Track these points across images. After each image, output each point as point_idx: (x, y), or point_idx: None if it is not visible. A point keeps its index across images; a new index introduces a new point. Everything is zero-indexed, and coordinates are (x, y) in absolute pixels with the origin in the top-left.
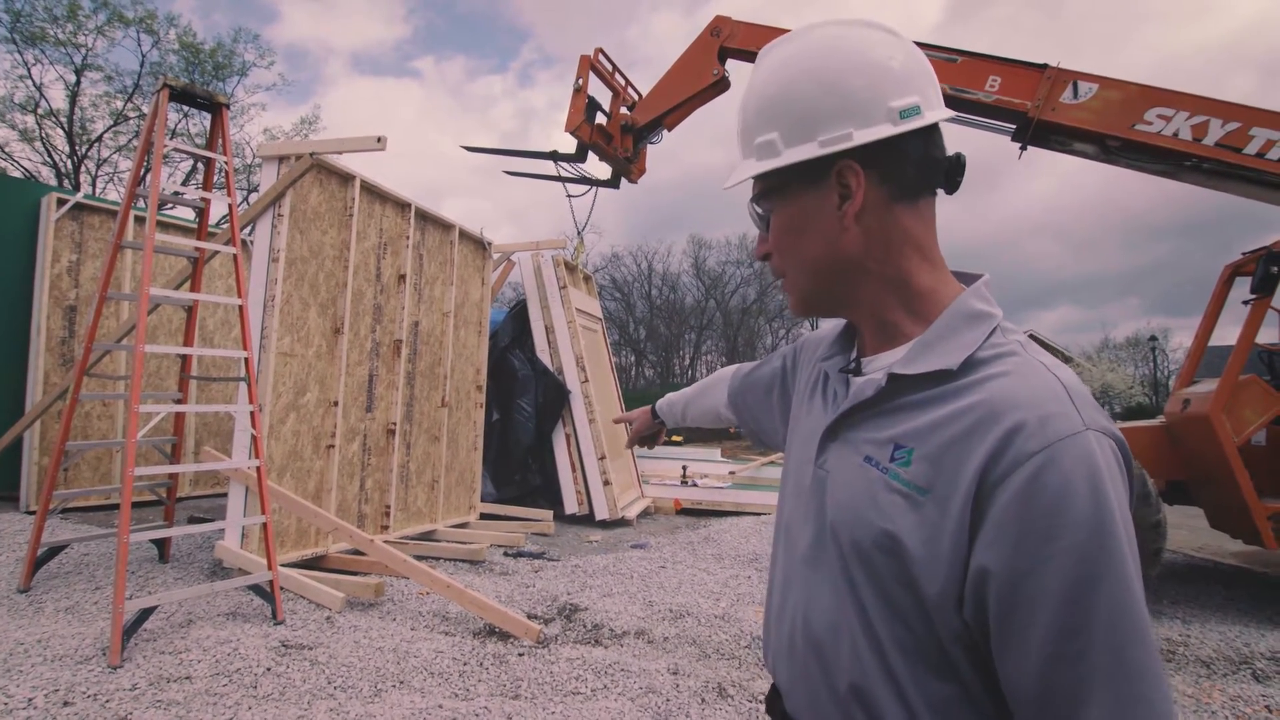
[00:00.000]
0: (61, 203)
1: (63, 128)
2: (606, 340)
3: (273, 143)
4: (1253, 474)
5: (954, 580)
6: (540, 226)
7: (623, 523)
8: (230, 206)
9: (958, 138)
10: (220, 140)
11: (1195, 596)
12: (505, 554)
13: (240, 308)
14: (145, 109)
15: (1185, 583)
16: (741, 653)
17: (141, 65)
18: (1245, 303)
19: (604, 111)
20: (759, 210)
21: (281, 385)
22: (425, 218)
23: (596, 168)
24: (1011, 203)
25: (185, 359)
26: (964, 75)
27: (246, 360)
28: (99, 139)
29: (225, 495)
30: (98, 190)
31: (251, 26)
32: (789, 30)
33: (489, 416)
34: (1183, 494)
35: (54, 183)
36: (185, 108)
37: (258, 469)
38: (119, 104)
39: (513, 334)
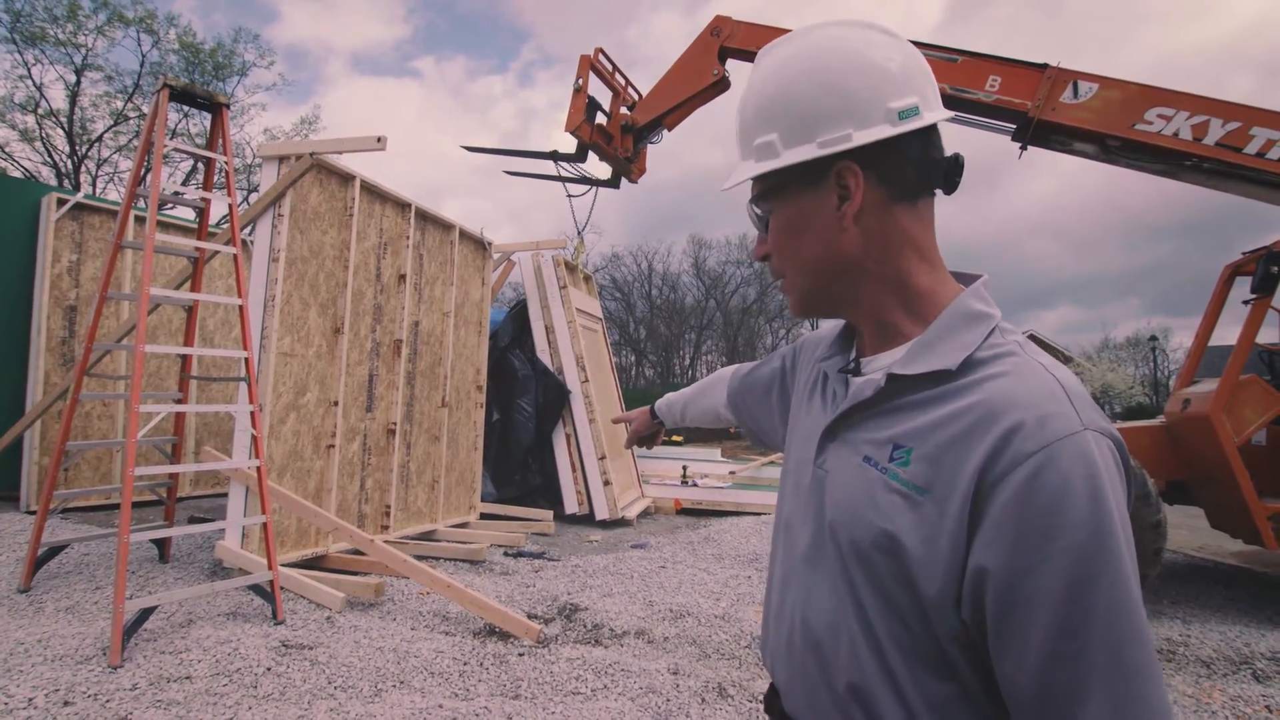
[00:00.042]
0: (62, 203)
1: (63, 128)
2: (606, 340)
3: (273, 143)
4: (1253, 474)
5: (952, 580)
6: (540, 226)
7: (623, 523)
8: (230, 206)
9: (958, 137)
10: (220, 140)
11: (1195, 596)
12: (505, 554)
13: (240, 308)
14: (145, 109)
15: (1185, 583)
16: (742, 653)
17: (141, 65)
18: (1245, 303)
19: (604, 111)
20: (758, 211)
21: (282, 385)
22: (425, 218)
23: (597, 168)
24: (1011, 202)
25: (185, 359)
26: (964, 75)
27: (247, 360)
28: (99, 139)
29: (225, 495)
30: (98, 190)
31: (251, 26)
32: (789, 30)
33: (489, 416)
34: (1183, 494)
35: (54, 183)
36: (185, 108)
37: (258, 469)
38: (119, 104)
39: (513, 334)
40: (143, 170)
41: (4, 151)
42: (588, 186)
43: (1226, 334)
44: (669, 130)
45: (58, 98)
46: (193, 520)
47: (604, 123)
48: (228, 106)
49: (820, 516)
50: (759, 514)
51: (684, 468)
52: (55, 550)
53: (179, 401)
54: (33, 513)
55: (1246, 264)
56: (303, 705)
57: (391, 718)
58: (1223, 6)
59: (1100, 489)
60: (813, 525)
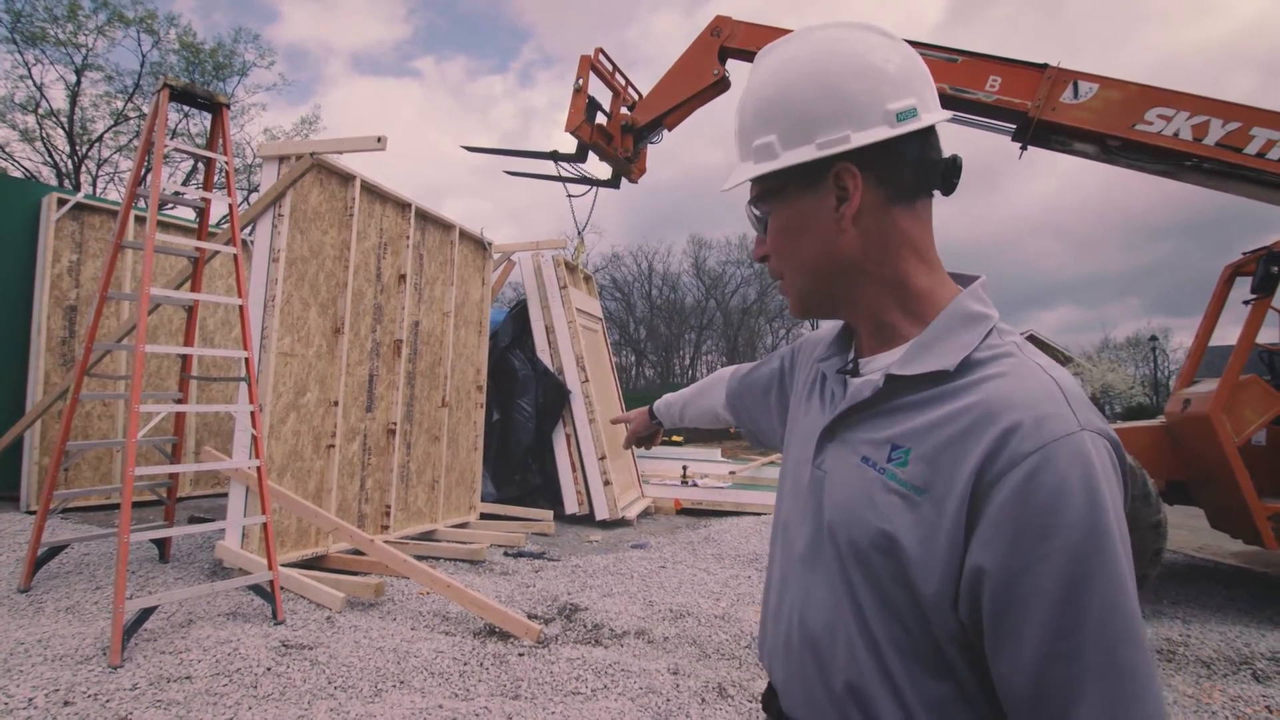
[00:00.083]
0: (62, 203)
1: (63, 128)
2: (607, 340)
3: (273, 143)
4: (1253, 474)
5: (950, 580)
6: (540, 226)
7: (623, 523)
8: (231, 206)
9: (958, 137)
10: (220, 140)
11: (1195, 597)
12: (505, 554)
13: (240, 308)
14: (145, 109)
15: (1186, 583)
16: (742, 653)
17: (142, 65)
18: (1246, 303)
19: (604, 111)
20: (757, 212)
21: (282, 385)
22: (425, 218)
23: (597, 168)
24: (1012, 202)
25: (185, 359)
26: (964, 75)
27: (247, 360)
28: (99, 139)
29: (225, 495)
30: (98, 190)
31: (252, 26)
32: (789, 30)
33: (489, 416)
34: (1183, 494)
35: (54, 183)
36: (186, 108)
37: (258, 469)
38: (119, 104)
39: (513, 334)
40: (143, 170)
41: (4, 151)
42: (588, 186)
43: (1227, 334)
44: (669, 130)
45: (58, 98)
46: (193, 520)
47: (604, 123)
48: (228, 106)
49: (819, 517)
50: (759, 514)
51: (684, 468)
52: (55, 550)
53: (179, 401)
54: (33, 513)
55: (1247, 264)
56: (303, 705)
57: (391, 718)
58: (1223, 6)
59: (1096, 489)
60: (811, 525)
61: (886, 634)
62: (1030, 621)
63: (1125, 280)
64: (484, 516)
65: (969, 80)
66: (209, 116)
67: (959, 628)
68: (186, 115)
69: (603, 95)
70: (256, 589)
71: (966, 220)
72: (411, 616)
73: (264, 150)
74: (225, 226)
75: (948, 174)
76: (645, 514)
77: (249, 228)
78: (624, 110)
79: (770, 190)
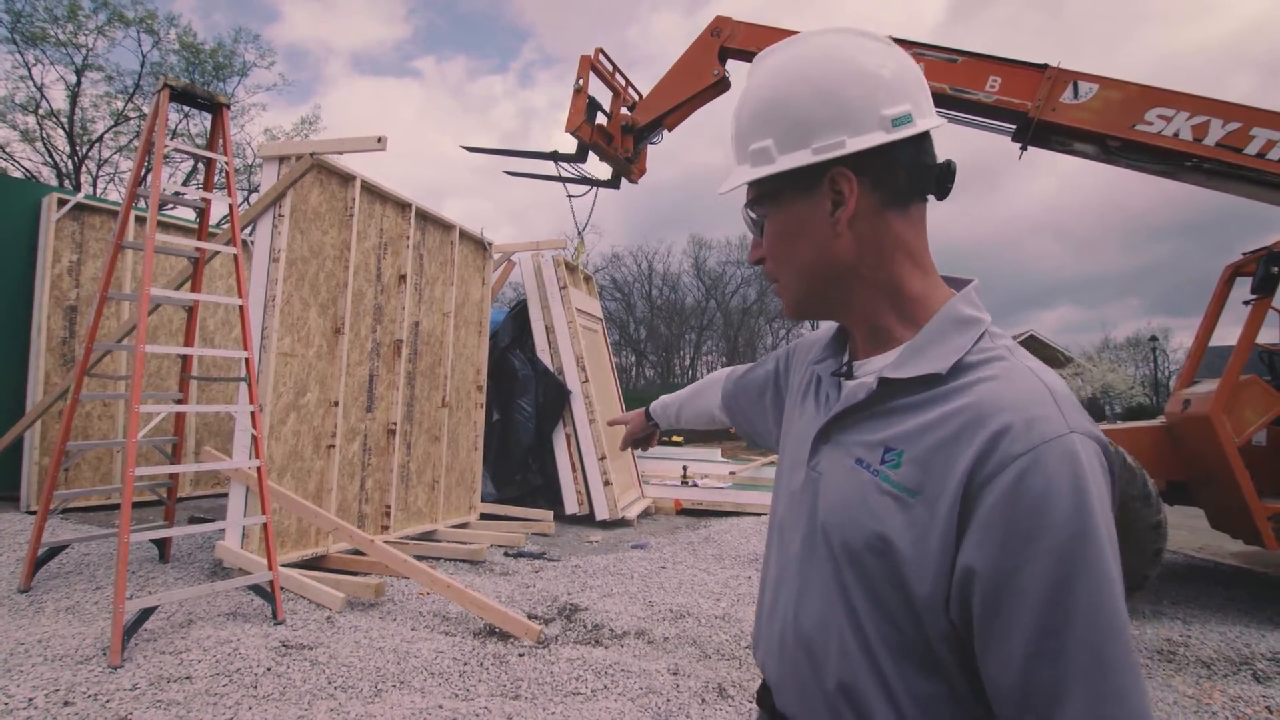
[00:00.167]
0: (62, 203)
1: (63, 128)
2: (607, 340)
3: (273, 143)
4: (1253, 474)
5: (942, 580)
6: (541, 227)
7: (623, 523)
8: (231, 207)
9: (958, 138)
10: (221, 140)
11: (1196, 597)
12: (505, 554)
13: (241, 308)
14: (146, 109)
15: (1186, 583)
16: (742, 653)
17: (142, 65)
18: (1246, 303)
19: (604, 112)
20: (753, 215)
21: (282, 385)
22: (426, 218)
23: (597, 168)
24: (1012, 203)
25: (186, 359)
26: (964, 75)
27: (247, 360)
28: (100, 139)
29: (226, 495)
30: (98, 190)
31: (252, 26)
32: (790, 30)
33: (489, 416)
34: (1183, 494)
35: (55, 183)
36: (186, 108)
37: (258, 469)
38: (119, 104)
39: (513, 334)
40: (143, 170)
41: (5, 152)
42: (588, 187)
43: (1227, 334)
44: (669, 130)
45: (58, 98)
46: (193, 520)
47: (604, 123)
48: (228, 107)
49: (813, 518)
50: (759, 514)
51: (684, 468)
52: (55, 550)
53: (179, 402)
54: (33, 513)
55: (1247, 264)
56: (303, 705)
57: (391, 718)
58: (1223, 6)
59: (1085, 491)
60: (805, 526)
61: (879, 634)
62: (1018, 621)
63: (1125, 280)
64: (484, 517)
65: (969, 80)
66: (209, 117)
67: (950, 628)
68: (187, 115)
69: (603, 95)
70: (256, 589)
71: (966, 220)
72: (411, 617)
73: (264, 150)
74: (225, 227)
75: (942, 179)
76: (645, 514)
77: (249, 228)
78: (624, 110)
79: (766, 194)
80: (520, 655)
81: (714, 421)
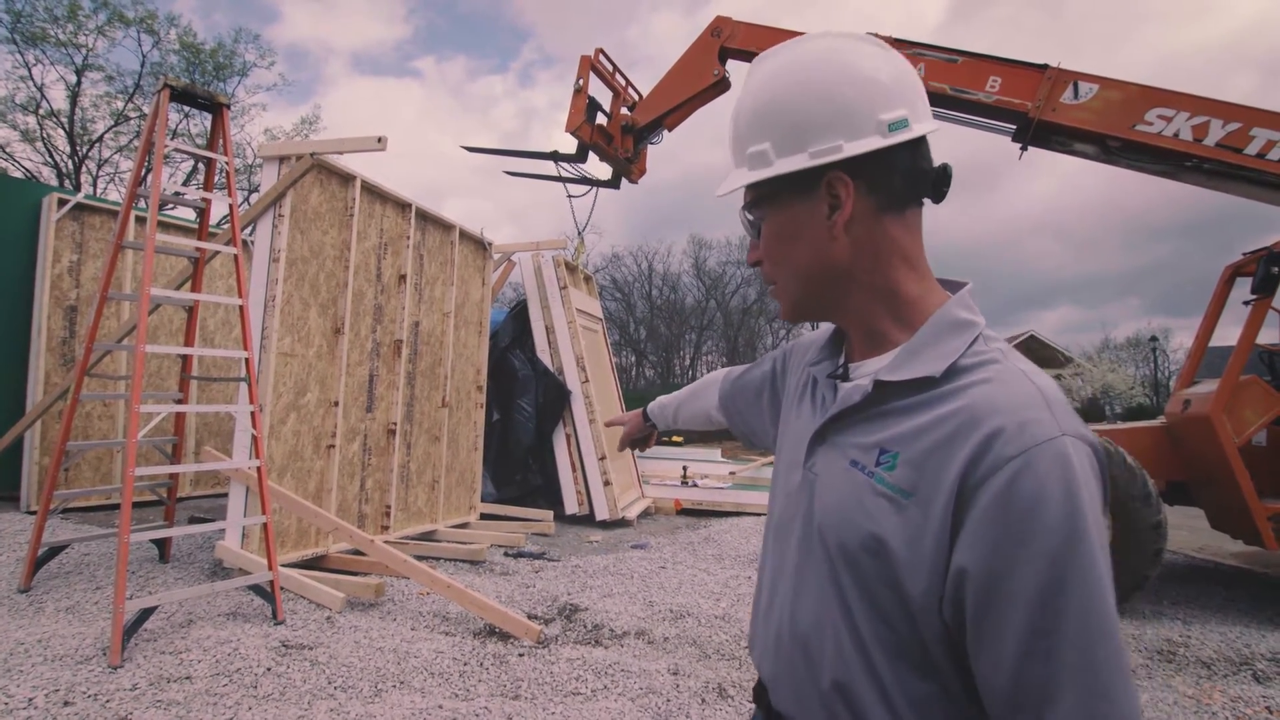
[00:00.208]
0: (62, 203)
1: (64, 128)
2: (607, 340)
3: (273, 143)
4: (1253, 474)
5: (936, 581)
6: (541, 227)
7: (623, 523)
8: (231, 207)
9: (959, 138)
10: (221, 140)
11: (1196, 597)
12: (506, 554)
13: (241, 308)
14: (146, 109)
15: (1186, 583)
16: (742, 653)
17: (142, 65)
18: (1246, 303)
19: (604, 112)
20: (750, 217)
21: (282, 385)
22: (426, 218)
23: (597, 168)
24: (1012, 203)
25: (186, 359)
26: (965, 76)
27: (247, 360)
28: (100, 139)
29: (226, 495)
30: (99, 190)
31: (252, 27)
32: (790, 30)
33: (489, 417)
34: (1183, 494)
35: (55, 183)
36: (186, 108)
37: (258, 469)
38: (120, 104)
39: (513, 334)
40: (143, 170)
41: (5, 152)
42: (588, 187)
43: (1227, 334)
44: (669, 130)
45: (58, 98)
46: (193, 520)
47: (604, 123)
48: (228, 107)
49: (809, 518)
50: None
51: (684, 468)
52: (55, 550)
53: (179, 402)
54: (33, 513)
55: (1247, 264)
56: (303, 705)
57: (391, 718)
58: (1223, 6)
59: (1076, 493)
60: (801, 527)
61: (874, 634)
62: (1010, 621)
63: (1125, 280)
64: (484, 517)
65: (969, 81)
66: (209, 117)
67: (944, 628)
68: (187, 115)
69: (603, 95)
70: (256, 589)
71: (966, 220)
72: (411, 617)
73: (264, 150)
74: (225, 227)
75: (938, 182)
76: (645, 514)
77: (249, 228)
78: (624, 110)
79: (764, 196)
80: (520, 655)
81: (711, 422)
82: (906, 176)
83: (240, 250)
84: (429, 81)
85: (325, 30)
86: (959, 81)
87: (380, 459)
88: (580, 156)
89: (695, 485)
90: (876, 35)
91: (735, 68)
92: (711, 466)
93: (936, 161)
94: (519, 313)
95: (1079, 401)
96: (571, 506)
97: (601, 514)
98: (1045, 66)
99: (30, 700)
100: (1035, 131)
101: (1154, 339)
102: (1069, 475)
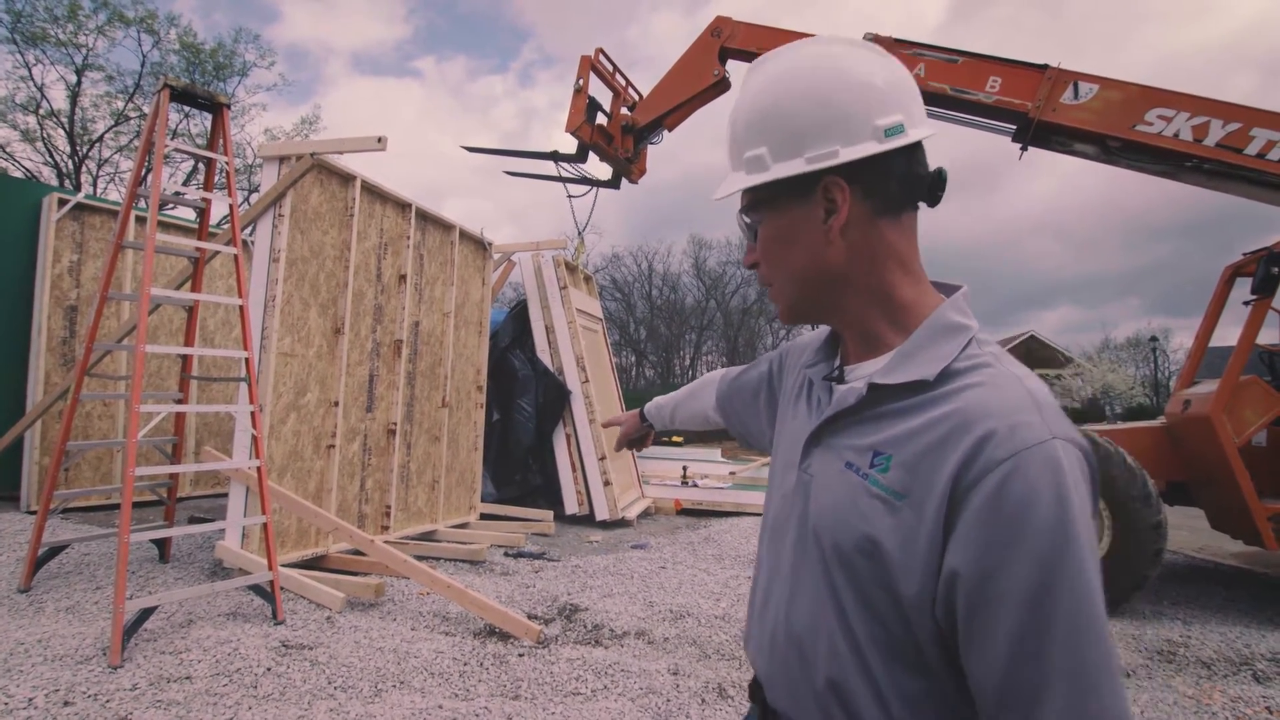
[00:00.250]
0: (63, 203)
1: (64, 128)
2: (607, 340)
3: (273, 143)
4: (1253, 475)
5: (929, 582)
6: (541, 227)
7: (623, 523)
8: (231, 207)
9: (959, 137)
10: (221, 140)
11: (1196, 597)
12: (506, 554)
13: (241, 308)
14: (146, 109)
15: (1186, 583)
16: (742, 653)
17: (142, 65)
18: (1246, 303)
19: (604, 112)
20: (747, 220)
21: (282, 385)
22: (426, 218)
23: (597, 168)
24: (1012, 203)
25: (186, 359)
26: (965, 76)
27: (247, 360)
28: (100, 139)
29: (226, 495)
30: (99, 190)
31: (252, 27)
32: (790, 31)
33: (489, 417)
34: (1183, 495)
35: (55, 183)
36: (186, 108)
37: (258, 469)
38: (120, 104)
39: (513, 334)
40: (143, 170)
41: (5, 151)
42: (588, 187)
43: (1227, 335)
44: (669, 131)
45: (59, 98)
46: (193, 520)
47: (604, 123)
48: (228, 107)
49: (804, 519)
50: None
51: (684, 468)
52: (55, 550)
53: (179, 401)
54: (33, 513)
55: (1247, 265)
56: (303, 705)
57: (391, 718)
58: (1223, 6)
59: (1065, 496)
60: (797, 527)
61: (868, 633)
62: (1000, 622)
63: (1125, 280)
64: (484, 517)
65: (969, 81)
66: (209, 117)
67: (937, 628)
68: (187, 115)
69: (603, 96)
70: (256, 589)
71: (967, 220)
72: (411, 617)
73: (264, 150)
74: (226, 227)
75: (933, 187)
76: (645, 514)
77: (249, 228)
78: (624, 111)
79: (761, 200)
80: (520, 655)
81: (708, 422)
82: (902, 181)
83: (240, 250)
84: (429, 81)
85: (325, 30)
86: (959, 82)
87: (380, 459)
88: (580, 156)
89: (695, 485)
90: (876, 35)
91: (735, 68)
92: (711, 466)
93: (933, 165)
94: (519, 313)
95: (1079, 402)
96: (571, 506)
97: (601, 514)
98: (1045, 67)
99: (30, 700)
100: (1035, 132)
101: (1154, 339)
102: (1059, 478)
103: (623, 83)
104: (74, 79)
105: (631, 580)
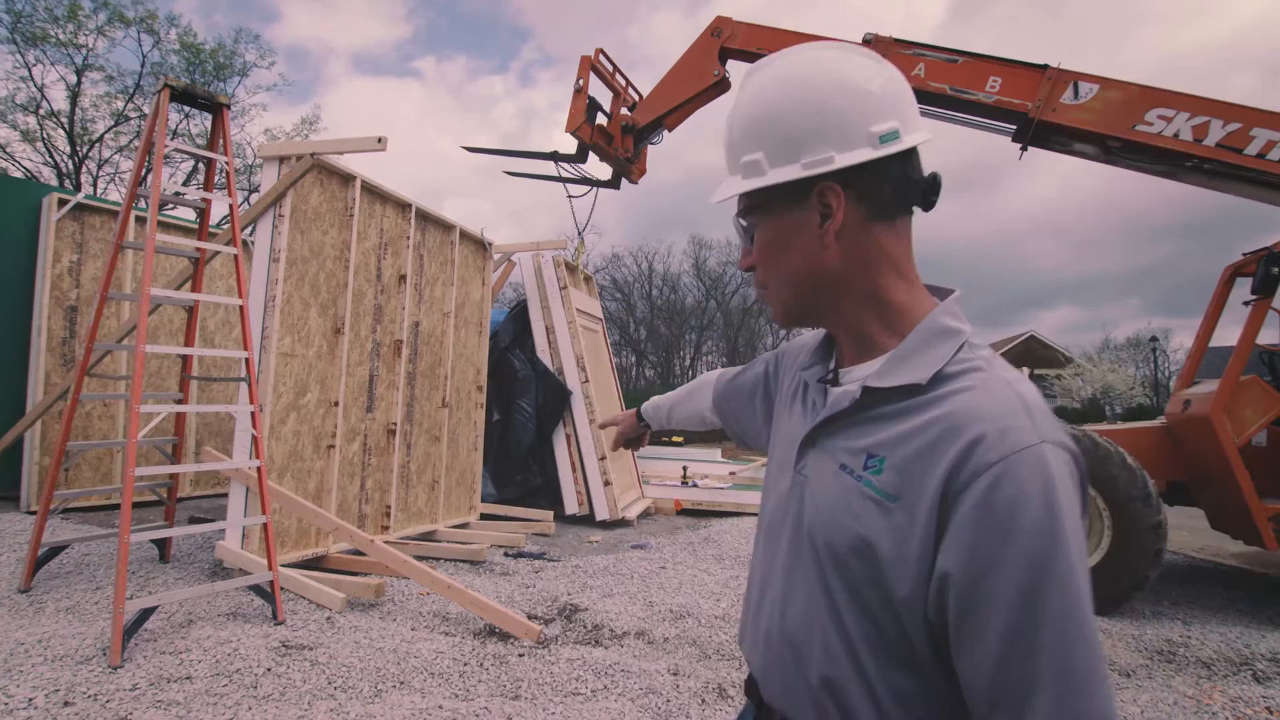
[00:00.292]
0: (63, 203)
1: (64, 128)
2: (607, 340)
3: (273, 143)
4: (1253, 475)
5: (921, 583)
6: (541, 227)
7: (623, 523)
8: (231, 207)
9: (959, 138)
10: (221, 141)
11: (1196, 597)
12: (506, 554)
13: (241, 308)
14: (146, 109)
15: (1186, 584)
16: (741, 654)
17: (142, 65)
18: (1246, 304)
19: (604, 112)
20: (744, 224)
21: (282, 385)
22: (426, 218)
23: (597, 168)
24: (1012, 203)
25: (186, 359)
26: (965, 76)
27: (247, 360)
28: (100, 139)
29: (226, 495)
30: (99, 190)
31: (252, 27)
32: (790, 31)
33: (489, 417)
34: (1183, 495)
35: (55, 183)
36: (186, 108)
37: (258, 469)
38: (120, 104)
39: (513, 334)
40: (143, 170)
41: (5, 152)
42: (588, 187)
43: (1227, 335)
44: (669, 131)
45: (59, 98)
46: (193, 520)
47: (604, 123)
48: (228, 107)
49: (799, 520)
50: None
51: (684, 468)
52: (55, 550)
53: (179, 402)
54: (33, 513)
55: (1247, 265)
56: (303, 706)
57: (391, 718)
58: (1223, 6)
59: (1054, 499)
60: (792, 528)
61: (861, 632)
62: (990, 623)
63: (1125, 280)
64: (484, 517)
65: (969, 81)
66: (209, 117)
67: (929, 628)
68: (187, 116)
69: (603, 96)
70: (256, 589)
71: (967, 220)
72: (411, 617)
73: (264, 151)
74: (226, 227)
75: (928, 191)
76: (645, 514)
77: (249, 228)
78: (624, 111)
79: (757, 204)
80: (520, 655)
81: (705, 423)
82: (897, 186)
83: (240, 250)
84: (429, 81)
85: (325, 30)
86: (959, 82)
87: (380, 459)
88: (580, 156)
89: (695, 485)
90: (877, 36)
91: (735, 68)
92: (711, 466)
93: (931, 166)
94: (519, 313)
95: (1079, 402)
96: (571, 507)
97: (601, 514)
98: (1045, 67)
99: (30, 700)
100: (1035, 132)
101: (1154, 339)
102: (1048, 482)
103: (623, 83)
104: (74, 79)
105: (631, 580)
